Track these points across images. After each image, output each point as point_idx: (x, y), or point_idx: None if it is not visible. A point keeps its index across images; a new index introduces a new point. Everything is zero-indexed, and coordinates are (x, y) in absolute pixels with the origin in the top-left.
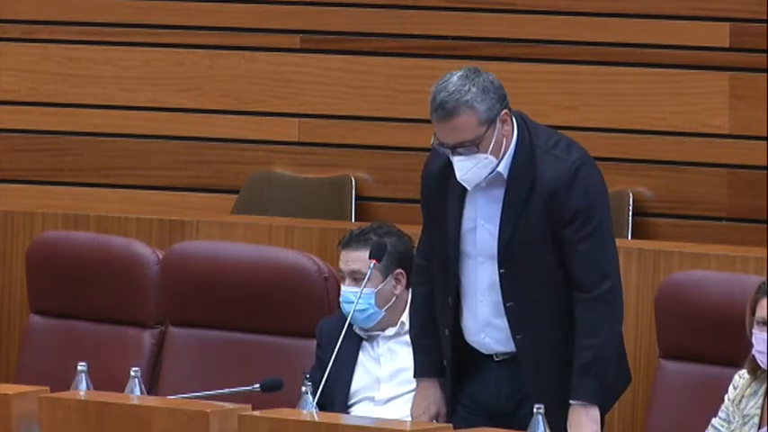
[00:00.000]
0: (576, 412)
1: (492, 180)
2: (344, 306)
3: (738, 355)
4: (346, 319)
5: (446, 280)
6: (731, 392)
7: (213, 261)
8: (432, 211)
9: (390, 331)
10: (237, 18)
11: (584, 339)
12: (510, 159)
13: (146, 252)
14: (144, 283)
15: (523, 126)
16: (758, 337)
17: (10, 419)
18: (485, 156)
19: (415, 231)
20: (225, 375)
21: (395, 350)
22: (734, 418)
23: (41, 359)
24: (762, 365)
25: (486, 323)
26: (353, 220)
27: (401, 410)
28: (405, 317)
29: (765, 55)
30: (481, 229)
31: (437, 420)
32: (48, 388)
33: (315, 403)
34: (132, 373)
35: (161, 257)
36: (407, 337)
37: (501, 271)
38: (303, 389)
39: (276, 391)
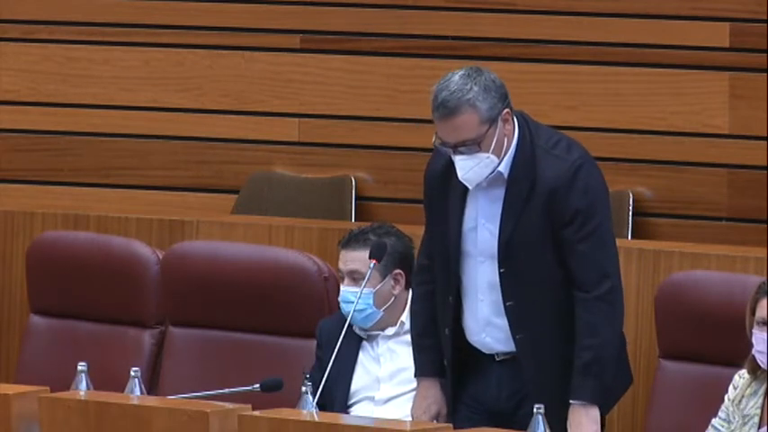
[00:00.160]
0: (576, 412)
1: (493, 180)
2: (344, 306)
3: (738, 355)
4: (346, 319)
5: (447, 279)
6: (731, 392)
7: (213, 261)
8: (434, 211)
9: (390, 331)
10: (237, 18)
11: (585, 339)
12: (511, 159)
13: (146, 252)
14: (144, 283)
15: (524, 126)
16: (758, 337)
17: (10, 419)
18: (486, 155)
19: (415, 231)
20: (225, 375)
21: (395, 350)
22: (734, 418)
23: (41, 359)
24: (762, 365)
25: (486, 323)
26: (353, 220)
27: (401, 410)
28: (404, 316)
29: (765, 55)
30: (482, 229)
31: (437, 420)
32: (48, 388)
33: (315, 403)
34: (132, 373)
35: (161, 257)
36: (407, 337)
37: (501, 270)
38: (303, 389)
39: (276, 391)
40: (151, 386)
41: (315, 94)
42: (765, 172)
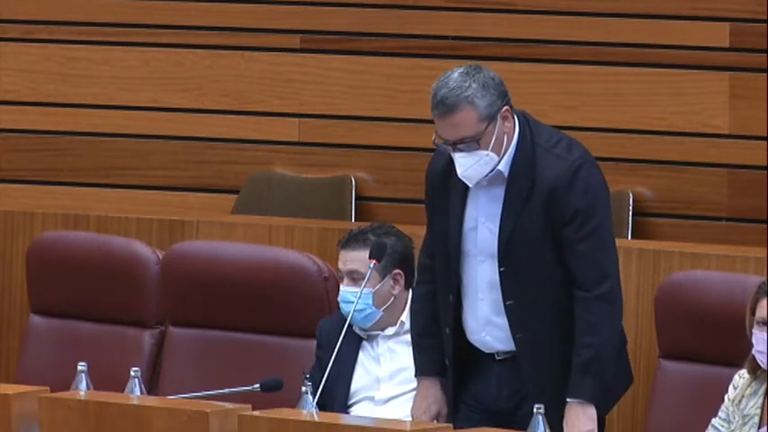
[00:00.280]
0: (573, 410)
1: (493, 178)
2: (343, 306)
3: (738, 355)
4: (346, 319)
5: (447, 278)
6: (731, 392)
7: (213, 261)
8: (435, 211)
9: (390, 331)
10: (237, 18)
11: (585, 338)
12: (511, 158)
13: (146, 252)
14: (144, 283)
15: (525, 124)
16: (758, 337)
17: (10, 419)
18: (486, 152)
19: (415, 231)
20: (225, 375)
21: (395, 350)
22: (734, 417)
23: (41, 359)
24: (762, 365)
25: (486, 322)
26: (353, 220)
27: (401, 410)
28: (404, 316)
29: (765, 55)
30: (482, 228)
31: (438, 420)
32: (48, 388)
33: (315, 403)
34: (132, 373)
35: (161, 257)
36: (407, 337)
37: (501, 269)
38: (303, 389)
39: (276, 391)
40: (151, 386)
41: (315, 94)
42: (765, 172)
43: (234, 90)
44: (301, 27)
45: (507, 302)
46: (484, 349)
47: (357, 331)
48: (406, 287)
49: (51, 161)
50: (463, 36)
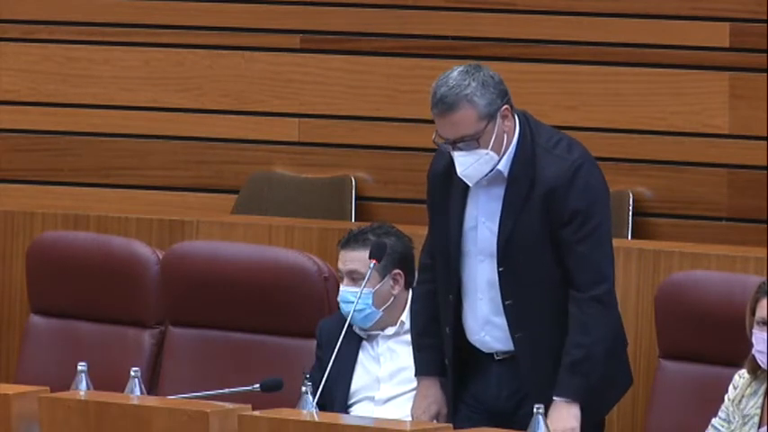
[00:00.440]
0: (558, 408)
1: (493, 178)
2: (343, 306)
3: (738, 355)
4: (346, 319)
5: (448, 278)
6: (731, 392)
7: (213, 261)
8: (436, 210)
9: (390, 331)
10: (237, 18)
11: (576, 337)
12: (511, 157)
13: (146, 252)
14: (144, 283)
15: (525, 124)
16: (758, 337)
17: (10, 419)
18: (485, 151)
19: (415, 231)
20: (225, 375)
21: (395, 349)
22: (734, 417)
23: (41, 359)
24: (762, 365)
25: (485, 321)
26: (353, 220)
27: (401, 410)
28: (404, 316)
29: (765, 55)
30: (482, 227)
31: (437, 420)
32: (48, 388)
33: (315, 403)
34: (132, 373)
35: (161, 257)
36: (407, 337)
37: (500, 269)
38: (303, 389)
39: (276, 391)
40: (151, 386)
41: (315, 94)
42: (765, 172)
43: (234, 90)
44: (301, 27)
45: (506, 302)
46: (483, 349)
47: (357, 331)
48: (406, 287)
49: (51, 161)
50: (463, 36)
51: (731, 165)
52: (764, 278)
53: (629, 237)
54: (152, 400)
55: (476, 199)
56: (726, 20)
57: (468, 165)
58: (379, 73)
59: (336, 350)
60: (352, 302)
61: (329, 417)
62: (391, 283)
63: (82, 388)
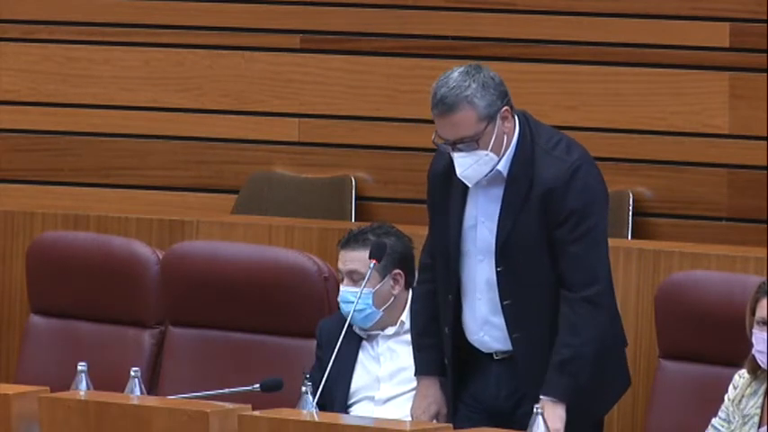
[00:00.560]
0: (544, 407)
1: (492, 178)
2: (343, 306)
3: (738, 355)
4: (346, 319)
5: (447, 278)
6: (731, 392)
7: (213, 261)
8: (436, 210)
9: (390, 330)
10: (237, 18)
11: (565, 337)
12: (510, 158)
13: (146, 252)
14: (144, 283)
15: (525, 125)
16: (758, 337)
17: (10, 419)
18: (485, 152)
19: (415, 231)
20: (225, 375)
21: (395, 349)
22: (734, 417)
23: (41, 359)
24: (762, 365)
25: (484, 321)
26: (353, 220)
27: (401, 410)
28: (404, 316)
29: (765, 55)
30: (481, 227)
31: (437, 420)
32: (48, 388)
33: (315, 403)
34: (132, 373)
35: (161, 257)
36: (407, 337)
37: (498, 269)
38: (303, 389)
39: (276, 391)
40: (151, 386)
41: (315, 94)
42: (765, 172)
43: (234, 90)
44: (301, 27)
45: (504, 302)
46: (482, 349)
47: (357, 331)
48: (406, 287)
49: (51, 161)
50: (463, 36)
51: (731, 165)
52: (764, 278)
53: (629, 237)
54: (152, 400)
55: (475, 199)
56: (726, 20)
57: (468, 166)
58: (379, 73)
59: (336, 350)
60: (353, 302)
61: (329, 417)
62: (391, 283)
63: (82, 388)
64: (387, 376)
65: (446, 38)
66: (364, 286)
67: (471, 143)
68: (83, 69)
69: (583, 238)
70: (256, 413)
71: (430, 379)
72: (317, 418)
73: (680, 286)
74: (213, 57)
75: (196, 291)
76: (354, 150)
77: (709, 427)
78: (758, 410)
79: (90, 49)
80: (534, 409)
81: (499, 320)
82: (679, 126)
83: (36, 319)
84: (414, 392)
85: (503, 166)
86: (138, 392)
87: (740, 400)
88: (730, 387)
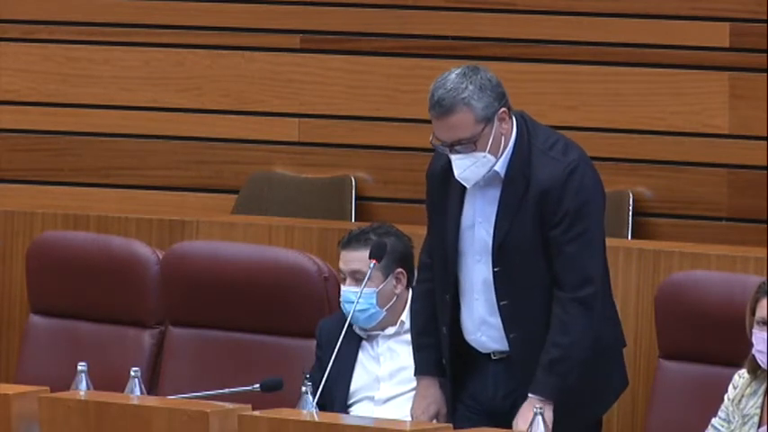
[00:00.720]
0: (530, 405)
1: (490, 179)
2: (345, 306)
3: (738, 355)
4: (346, 319)
5: (445, 278)
6: (731, 392)
7: (213, 261)
8: (435, 210)
9: (390, 330)
10: (237, 18)
11: (556, 336)
12: (507, 158)
13: (146, 252)
14: (144, 283)
15: (523, 125)
16: (758, 337)
17: (10, 419)
18: (483, 154)
19: (415, 231)
20: (225, 375)
21: (395, 349)
22: (734, 417)
23: (41, 359)
24: (762, 365)
25: (481, 321)
26: (353, 220)
27: (401, 410)
28: (404, 316)
29: (765, 55)
30: (478, 228)
31: (437, 420)
32: (48, 388)
33: (315, 403)
34: (132, 373)
35: (161, 257)
36: (407, 336)
37: (495, 269)
38: (303, 389)
39: (276, 391)
40: (151, 386)
41: (315, 94)
42: (765, 172)
43: (234, 90)
44: (301, 27)
45: (501, 303)
46: (480, 349)
47: (357, 331)
48: (408, 286)
49: (51, 161)
50: (463, 36)
51: (731, 165)
52: (764, 278)
53: (629, 237)
54: (152, 400)
55: (472, 200)
56: (726, 20)
57: (466, 167)
58: (379, 73)
59: (336, 350)
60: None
61: (329, 417)
62: (394, 282)
63: (82, 388)
64: (387, 376)
65: (446, 38)
66: (364, 286)
67: (469, 145)
68: (83, 69)
69: (578, 238)
70: (256, 413)
71: (429, 379)
72: (317, 418)
73: (680, 286)
74: (213, 57)
75: (196, 291)
76: (354, 150)
77: (709, 426)
78: (758, 410)
79: (90, 49)
80: (534, 410)
81: (496, 321)
82: (679, 126)
83: (36, 319)
84: (414, 392)
85: (500, 167)
86: (138, 392)
87: (740, 400)
88: (730, 387)
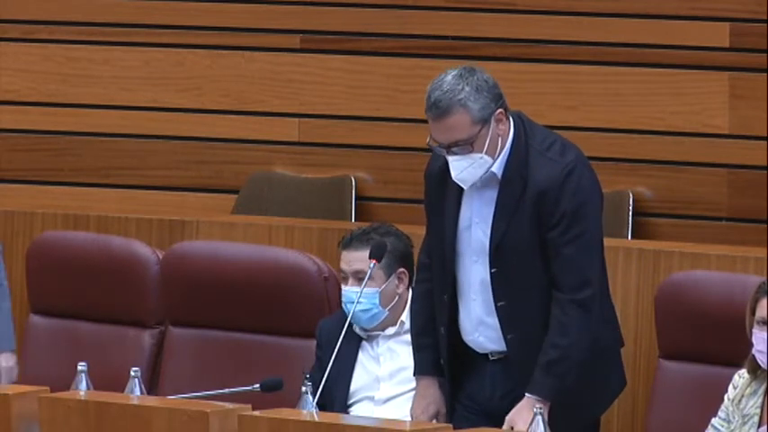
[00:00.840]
0: (526, 404)
1: (487, 180)
2: (347, 306)
3: (738, 355)
4: (346, 319)
5: (443, 278)
6: (731, 392)
7: (213, 261)
8: (433, 210)
9: (390, 330)
10: (237, 18)
11: (554, 338)
12: (504, 160)
13: (146, 252)
14: (144, 283)
15: (520, 126)
16: (758, 337)
17: (10, 419)
18: (480, 155)
19: (415, 231)
20: (225, 375)
21: (395, 349)
22: (734, 417)
23: (41, 359)
24: (762, 365)
25: (479, 322)
26: (353, 220)
27: (401, 410)
28: (404, 316)
29: (765, 55)
30: (476, 228)
31: (437, 420)
32: (48, 388)
33: (315, 403)
34: (132, 373)
35: (161, 257)
36: (407, 337)
37: (492, 270)
38: (303, 389)
39: (276, 391)
40: (151, 386)
41: (315, 94)
42: (765, 172)
43: (234, 90)
44: (301, 27)
45: (498, 303)
46: (478, 349)
47: (357, 331)
48: (409, 286)
49: (51, 161)
50: (463, 36)
51: (731, 165)
52: (764, 278)
53: (629, 237)
54: (152, 400)
55: (470, 200)
56: (726, 20)
57: (463, 169)
58: (379, 73)
59: (336, 350)
60: (358, 302)
61: (329, 417)
62: (396, 282)
63: (82, 388)
64: (387, 376)
65: (446, 38)
66: (364, 286)
67: (466, 146)
68: (83, 69)
69: (575, 240)
70: (256, 413)
71: (429, 379)
72: (317, 418)
73: (680, 286)
74: (213, 57)
75: (196, 291)
76: (354, 150)
77: (709, 426)
78: (758, 410)
79: (90, 49)
80: (534, 410)
81: (494, 321)
82: (679, 126)
83: (36, 319)
84: (413, 392)
85: (497, 168)
86: (138, 392)
87: (740, 400)
88: (730, 387)
